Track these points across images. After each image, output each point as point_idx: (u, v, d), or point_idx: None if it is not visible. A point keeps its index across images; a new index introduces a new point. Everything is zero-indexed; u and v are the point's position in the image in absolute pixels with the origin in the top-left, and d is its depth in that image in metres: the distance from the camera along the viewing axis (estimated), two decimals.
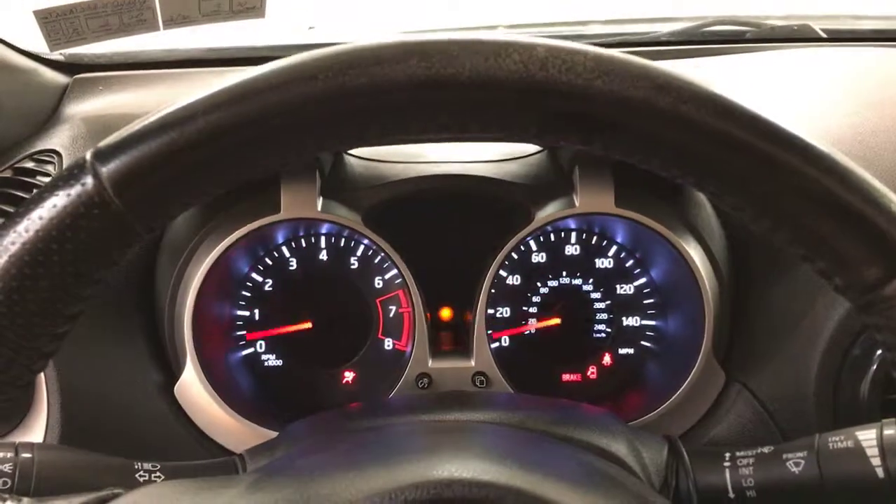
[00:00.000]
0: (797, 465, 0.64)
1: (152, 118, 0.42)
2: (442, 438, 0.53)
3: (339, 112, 0.42)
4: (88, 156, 0.42)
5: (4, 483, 0.59)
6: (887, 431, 0.61)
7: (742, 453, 0.67)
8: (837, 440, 0.63)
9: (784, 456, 0.65)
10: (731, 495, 0.65)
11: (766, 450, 0.66)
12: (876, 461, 0.60)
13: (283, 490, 0.47)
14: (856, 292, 0.43)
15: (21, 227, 0.41)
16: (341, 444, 0.55)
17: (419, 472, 0.44)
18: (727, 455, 0.67)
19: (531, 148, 1.01)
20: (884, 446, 0.61)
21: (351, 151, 0.99)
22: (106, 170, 0.41)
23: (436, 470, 0.44)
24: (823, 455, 0.63)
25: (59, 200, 0.41)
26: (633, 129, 0.42)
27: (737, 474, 0.66)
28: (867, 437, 0.62)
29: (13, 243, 0.41)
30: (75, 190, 0.41)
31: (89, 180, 0.41)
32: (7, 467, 0.61)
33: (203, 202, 0.44)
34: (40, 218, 0.41)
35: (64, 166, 0.92)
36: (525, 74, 0.41)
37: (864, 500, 0.61)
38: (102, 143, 0.42)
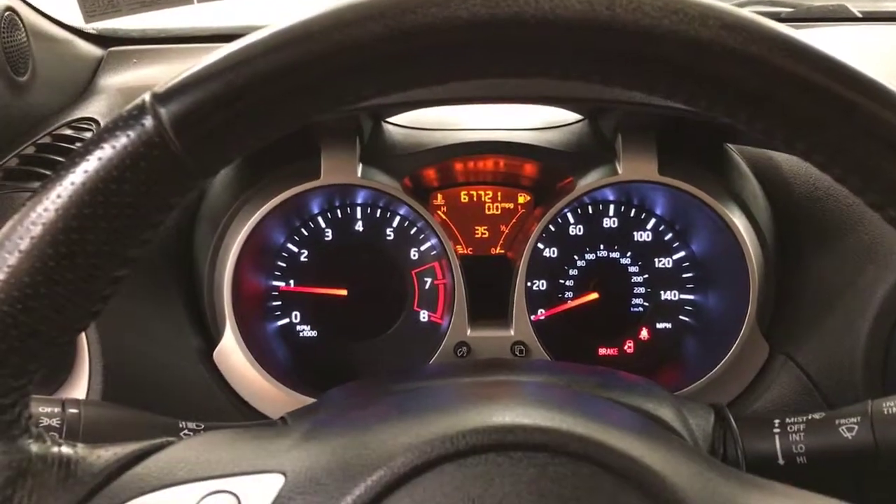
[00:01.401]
0: (850, 430, 0.62)
1: (212, 59, 0.41)
2: (496, 391, 0.53)
3: (400, 53, 0.41)
4: (148, 97, 0.41)
5: (52, 437, 0.59)
6: None
7: (792, 420, 0.66)
8: (892, 405, 0.62)
9: (837, 422, 0.63)
10: (781, 462, 0.64)
11: (817, 416, 0.65)
12: None
13: (339, 438, 0.46)
14: None
15: (81, 168, 0.41)
16: (392, 397, 0.55)
17: (479, 418, 0.44)
18: (776, 422, 0.66)
19: (573, 116, 1.01)
20: None
21: (390, 119, 0.99)
22: (165, 111, 0.41)
23: (496, 417, 0.44)
24: (878, 420, 0.62)
25: (119, 141, 0.41)
26: (701, 71, 0.41)
27: (787, 441, 0.64)
28: None
29: (72, 183, 0.41)
30: (135, 131, 0.41)
31: (149, 121, 0.41)
32: (55, 421, 0.61)
33: (262, 146, 0.44)
34: (99, 159, 0.41)
35: None
36: (591, 14, 0.40)
37: None
38: (162, 85, 0.42)
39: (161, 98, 0.41)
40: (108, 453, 0.46)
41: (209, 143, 0.42)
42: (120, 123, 0.41)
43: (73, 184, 0.41)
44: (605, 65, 0.42)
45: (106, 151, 0.41)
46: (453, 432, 0.42)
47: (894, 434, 0.61)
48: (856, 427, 0.62)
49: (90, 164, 0.41)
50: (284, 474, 0.44)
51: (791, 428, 0.65)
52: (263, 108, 0.42)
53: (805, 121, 0.41)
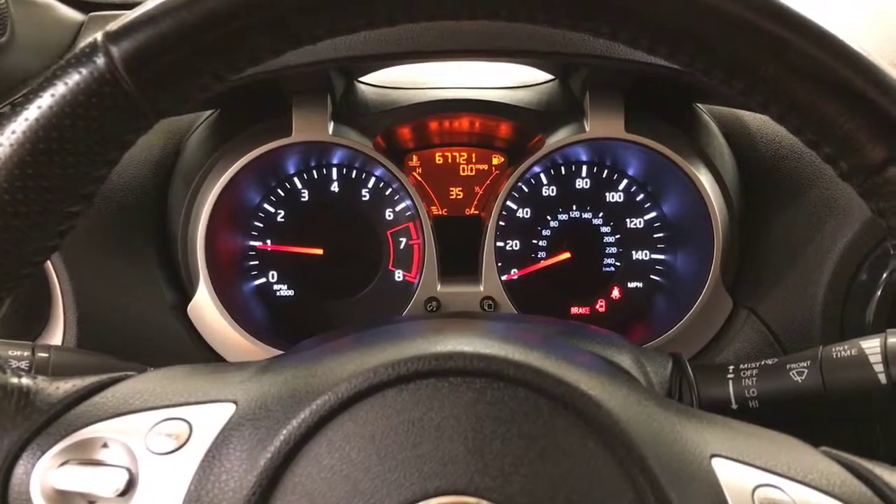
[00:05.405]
0: (800, 374, 0.64)
1: None
2: (447, 326, 0.54)
3: None
4: (100, 37, 0.42)
5: (13, 369, 0.61)
6: (892, 339, 0.62)
7: (745, 366, 0.67)
8: (841, 349, 0.64)
9: (788, 366, 0.65)
10: (734, 406, 0.66)
11: (769, 362, 0.67)
12: (879, 367, 0.61)
13: (291, 369, 0.48)
14: (861, 175, 0.43)
15: (35, 104, 0.42)
16: (349, 336, 0.56)
17: (422, 347, 0.45)
18: (730, 368, 0.68)
19: (544, 76, 1.02)
20: (887, 353, 0.61)
21: (363, 78, 1.00)
22: (117, 49, 0.42)
23: (438, 345, 0.45)
24: (827, 364, 0.63)
25: (72, 78, 0.42)
26: (640, 12, 0.42)
27: (740, 386, 0.66)
28: (871, 345, 0.62)
29: (26, 119, 0.42)
30: (87, 69, 0.42)
31: (101, 60, 0.42)
32: (24, 364, 0.63)
33: (216, 87, 0.45)
34: (52, 95, 0.42)
35: None
36: None
37: (864, 406, 0.62)
38: (114, 25, 0.43)
39: (113, 37, 0.42)
40: (66, 384, 0.48)
41: (161, 82, 0.43)
42: (73, 62, 0.42)
43: (27, 119, 0.42)
44: (555, 6, 0.42)
45: (59, 89, 0.42)
46: (396, 359, 0.44)
47: (842, 377, 0.63)
48: (805, 371, 0.64)
49: (44, 101, 0.42)
50: (236, 403, 0.46)
51: (744, 373, 0.67)
52: (216, 47, 0.43)
53: (741, 60, 0.42)
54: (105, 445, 0.45)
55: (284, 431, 0.43)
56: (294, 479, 0.42)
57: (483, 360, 0.44)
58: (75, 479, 0.43)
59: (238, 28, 0.42)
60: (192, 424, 0.45)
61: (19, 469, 0.44)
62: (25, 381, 0.47)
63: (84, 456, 0.44)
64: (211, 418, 0.45)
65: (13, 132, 0.42)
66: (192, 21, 0.42)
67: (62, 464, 0.44)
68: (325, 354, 0.49)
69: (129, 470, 0.44)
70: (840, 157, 0.43)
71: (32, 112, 0.42)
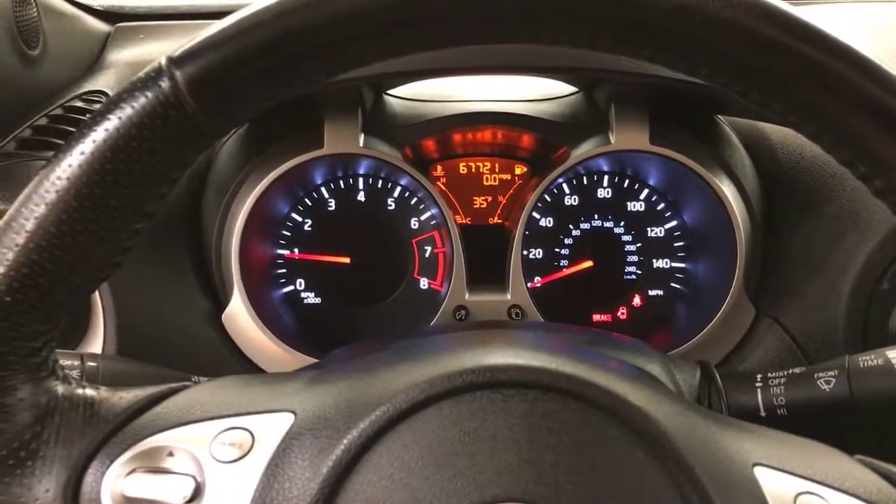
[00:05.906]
0: (828, 383, 0.66)
1: (224, 24, 0.44)
2: (492, 338, 0.56)
3: (405, 17, 0.44)
4: (164, 60, 0.44)
5: (77, 380, 0.63)
6: None
7: (773, 374, 0.69)
8: (868, 359, 0.65)
9: (815, 375, 0.67)
10: (763, 414, 0.68)
11: (797, 370, 0.68)
12: None
13: (345, 380, 0.49)
14: (894, 195, 0.44)
15: (102, 126, 0.44)
16: (394, 347, 0.58)
17: (475, 359, 0.47)
18: (759, 377, 0.70)
19: (568, 88, 1.03)
20: None
21: (391, 91, 1.02)
22: (181, 73, 0.43)
23: (490, 358, 0.47)
24: (854, 373, 0.65)
25: (137, 101, 0.44)
26: (675, 33, 0.43)
27: (768, 394, 0.68)
28: None
29: (94, 141, 0.44)
30: (153, 92, 0.43)
31: (166, 83, 0.43)
32: (75, 373, 0.65)
33: (271, 105, 0.46)
34: (119, 118, 0.44)
35: None
36: None
37: (891, 414, 0.64)
38: (177, 50, 0.45)
39: (176, 61, 0.44)
40: (129, 395, 0.49)
41: (222, 104, 0.44)
42: (139, 85, 0.44)
43: (94, 141, 0.44)
44: (576, 28, 0.44)
45: (126, 111, 0.44)
46: (451, 371, 0.46)
47: (869, 386, 0.64)
48: (833, 380, 0.66)
49: (111, 123, 0.44)
50: (294, 413, 0.48)
51: (772, 382, 0.68)
52: (274, 71, 0.44)
53: (776, 82, 0.43)
54: (171, 454, 0.46)
55: (345, 441, 0.44)
56: (355, 487, 0.43)
57: (535, 372, 0.46)
58: (144, 486, 0.45)
59: (295, 53, 0.44)
60: (254, 434, 0.47)
61: (89, 477, 0.46)
62: (90, 391, 0.49)
63: (151, 464, 0.46)
64: (272, 428, 0.47)
65: (81, 153, 0.44)
66: (252, 46, 0.43)
67: (130, 472, 0.46)
68: (377, 366, 0.51)
69: (194, 478, 0.45)
70: (874, 176, 0.44)
71: (100, 134, 0.44)
